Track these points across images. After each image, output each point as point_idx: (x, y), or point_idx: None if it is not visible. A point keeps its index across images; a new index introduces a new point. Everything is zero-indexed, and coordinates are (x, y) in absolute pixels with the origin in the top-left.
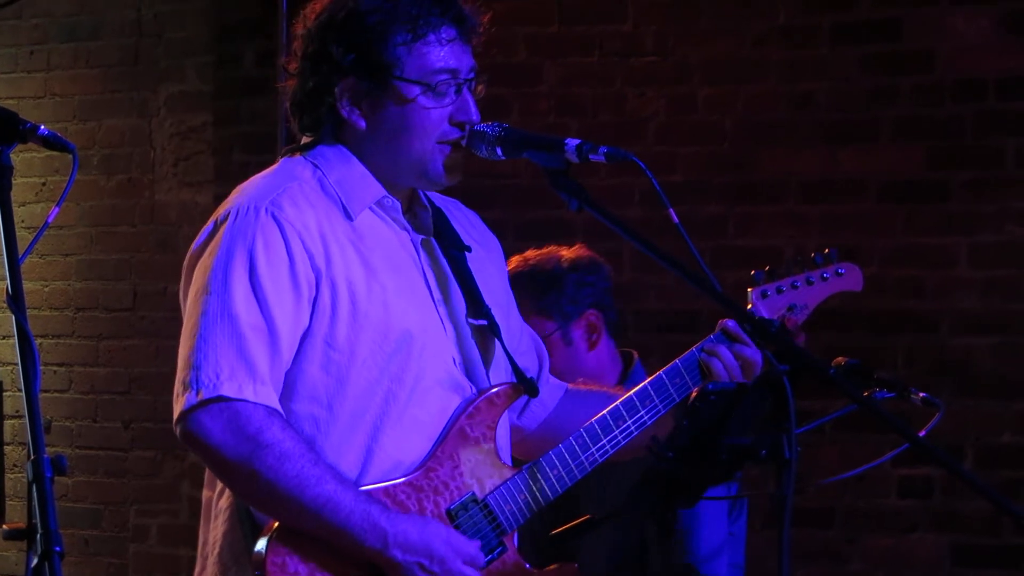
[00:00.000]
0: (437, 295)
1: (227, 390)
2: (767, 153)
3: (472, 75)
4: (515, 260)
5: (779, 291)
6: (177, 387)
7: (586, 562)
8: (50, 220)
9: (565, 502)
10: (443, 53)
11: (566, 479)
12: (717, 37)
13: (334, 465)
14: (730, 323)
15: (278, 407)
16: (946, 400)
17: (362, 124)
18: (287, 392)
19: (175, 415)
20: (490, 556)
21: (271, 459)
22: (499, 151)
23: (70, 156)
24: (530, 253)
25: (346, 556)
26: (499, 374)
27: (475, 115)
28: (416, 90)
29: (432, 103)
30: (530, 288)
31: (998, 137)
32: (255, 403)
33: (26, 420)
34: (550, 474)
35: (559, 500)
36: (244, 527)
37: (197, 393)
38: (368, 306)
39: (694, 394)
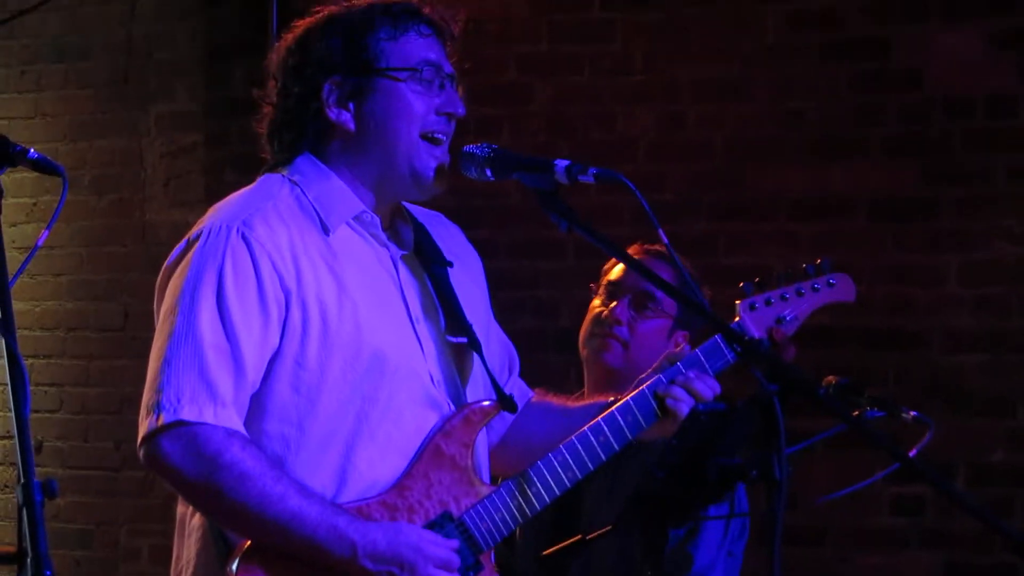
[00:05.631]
0: (415, 312)
1: (187, 414)
2: (756, 171)
3: (455, 74)
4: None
5: (768, 303)
6: (142, 410)
7: None
8: (40, 243)
9: (568, 518)
10: (425, 45)
11: (545, 496)
12: (706, 56)
13: (305, 483)
14: (679, 376)
15: (240, 428)
16: (937, 418)
17: (351, 125)
18: (258, 412)
19: (138, 439)
20: (467, 575)
21: (232, 479)
22: (488, 172)
23: (61, 178)
24: None
25: (318, 570)
26: (477, 391)
27: (461, 108)
28: (403, 75)
29: (419, 89)
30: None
31: (987, 155)
32: (215, 425)
33: (16, 443)
34: (528, 491)
35: (561, 516)
36: (218, 546)
37: (158, 417)
38: (339, 325)
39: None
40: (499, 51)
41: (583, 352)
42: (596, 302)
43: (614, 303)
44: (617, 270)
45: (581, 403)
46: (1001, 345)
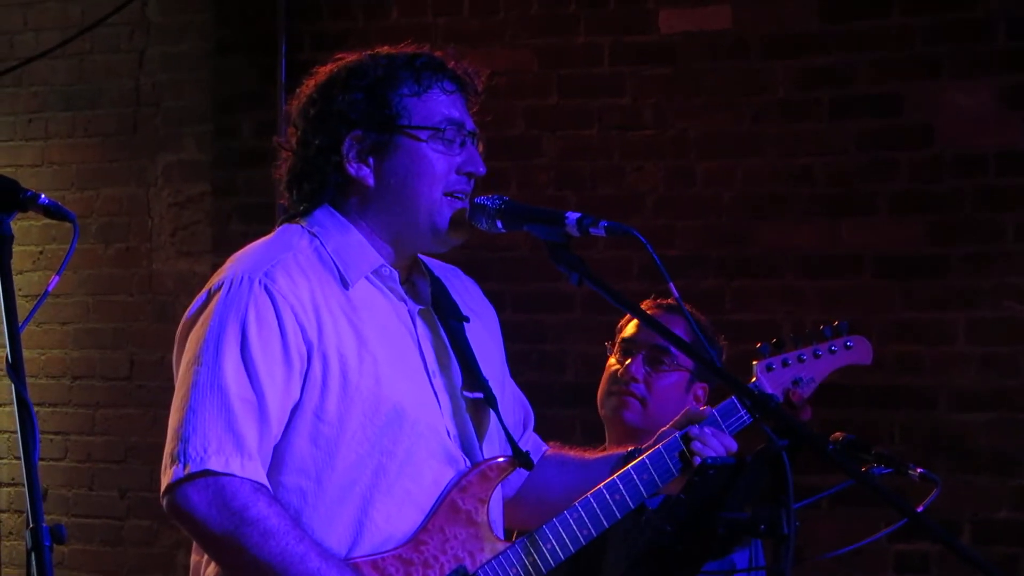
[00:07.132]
0: (432, 367)
1: (214, 464)
2: (765, 227)
3: (476, 132)
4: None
5: (784, 364)
6: (165, 459)
7: None
8: (50, 289)
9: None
10: (448, 103)
11: (560, 553)
12: (715, 111)
13: (323, 539)
14: (693, 430)
15: (265, 482)
16: (943, 476)
17: (370, 180)
18: (275, 464)
19: (162, 487)
20: None
21: (256, 536)
22: (499, 224)
23: (69, 225)
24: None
25: None
26: (493, 447)
27: (482, 167)
28: (424, 135)
29: (440, 149)
30: (692, 327)
31: (997, 212)
32: (242, 478)
33: (25, 489)
34: (543, 548)
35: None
36: None
37: (184, 466)
38: (359, 379)
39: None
40: (508, 104)
41: (602, 412)
42: (611, 360)
43: (629, 360)
44: (631, 327)
45: (597, 455)
46: (1008, 403)
